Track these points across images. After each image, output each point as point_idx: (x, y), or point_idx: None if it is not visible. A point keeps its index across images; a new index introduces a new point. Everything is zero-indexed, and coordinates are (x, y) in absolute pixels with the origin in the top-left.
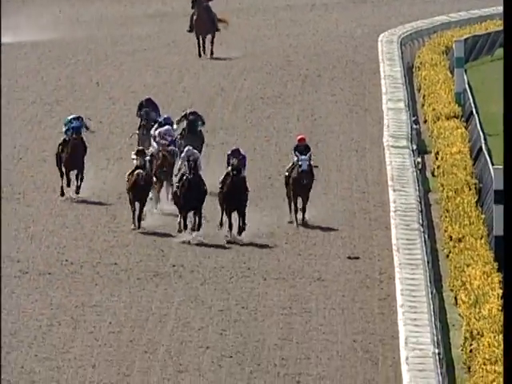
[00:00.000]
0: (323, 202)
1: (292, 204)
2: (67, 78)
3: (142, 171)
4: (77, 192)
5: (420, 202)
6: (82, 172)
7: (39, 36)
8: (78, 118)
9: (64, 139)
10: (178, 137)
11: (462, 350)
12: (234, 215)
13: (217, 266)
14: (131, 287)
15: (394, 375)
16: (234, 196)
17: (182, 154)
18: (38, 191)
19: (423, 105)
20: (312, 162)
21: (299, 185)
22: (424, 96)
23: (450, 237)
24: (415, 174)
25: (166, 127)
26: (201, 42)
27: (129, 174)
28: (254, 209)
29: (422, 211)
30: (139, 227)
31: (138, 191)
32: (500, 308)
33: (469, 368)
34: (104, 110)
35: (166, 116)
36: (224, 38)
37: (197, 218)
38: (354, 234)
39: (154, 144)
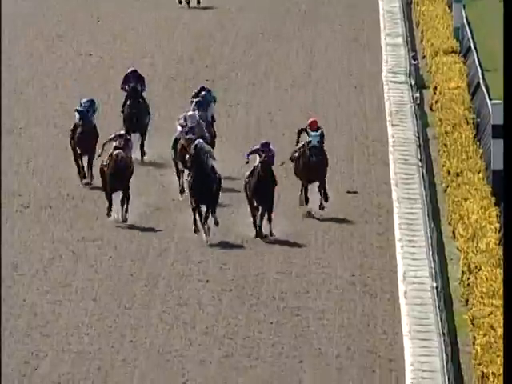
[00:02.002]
0: None
1: (303, 190)
2: (68, 13)
3: (120, 151)
4: (89, 180)
5: (418, 137)
6: (92, 158)
7: None
8: (88, 103)
9: (74, 124)
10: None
11: (460, 283)
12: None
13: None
14: (132, 221)
15: (393, 308)
16: (261, 192)
17: (193, 146)
18: (39, 126)
19: (422, 40)
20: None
21: (309, 163)
22: (422, 31)
23: (448, 171)
24: (413, 108)
25: (191, 113)
26: None
27: (108, 159)
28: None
29: (420, 146)
30: (125, 220)
31: (118, 175)
32: (497, 242)
33: (466, 301)
34: (104, 45)
35: (203, 93)
36: None
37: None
38: (352, 168)
39: (179, 127)
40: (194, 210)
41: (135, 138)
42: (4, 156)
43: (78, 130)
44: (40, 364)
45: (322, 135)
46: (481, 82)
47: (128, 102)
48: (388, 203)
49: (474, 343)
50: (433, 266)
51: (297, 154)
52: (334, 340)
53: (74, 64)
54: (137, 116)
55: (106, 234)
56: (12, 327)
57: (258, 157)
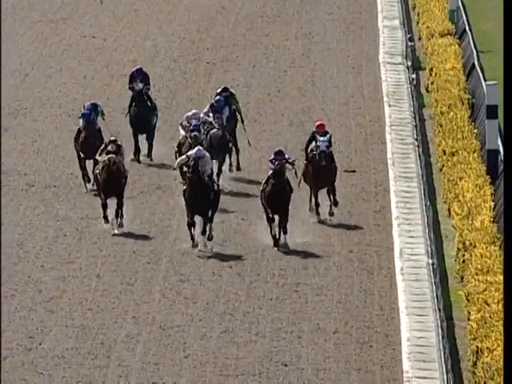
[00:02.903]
0: (321, 116)
1: (312, 196)
2: None
3: (113, 156)
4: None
5: (414, 117)
6: (96, 163)
7: None
8: (91, 106)
9: (78, 128)
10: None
11: (455, 260)
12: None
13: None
14: (134, 200)
15: (389, 285)
16: (276, 200)
17: (190, 152)
18: (43, 107)
19: (418, 22)
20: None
21: (318, 168)
22: (418, 14)
23: (444, 151)
24: (410, 89)
25: (194, 111)
26: None
27: (102, 165)
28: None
29: (416, 126)
30: (121, 225)
31: (112, 181)
32: (492, 219)
33: (461, 278)
34: (107, 27)
35: (217, 98)
36: None
37: (206, 224)
38: (350, 148)
39: (182, 131)
40: (189, 224)
41: (142, 138)
42: (9, 136)
43: (82, 134)
44: (44, 339)
45: (330, 140)
46: (475, 63)
47: (134, 104)
48: (385, 182)
49: (468, 318)
50: (429, 243)
51: (306, 162)
52: (332, 315)
53: (77, 46)
54: (143, 117)
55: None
56: (17, 303)
57: (271, 166)
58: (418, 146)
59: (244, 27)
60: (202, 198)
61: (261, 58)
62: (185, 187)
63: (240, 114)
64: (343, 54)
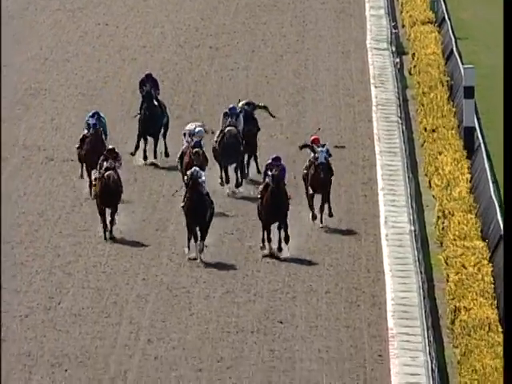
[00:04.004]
0: (313, 98)
1: (313, 203)
2: None
3: (111, 172)
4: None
5: (398, 97)
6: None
7: None
8: (93, 115)
9: (83, 135)
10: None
11: (435, 227)
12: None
13: None
14: (144, 173)
15: (375, 250)
16: (275, 208)
17: (188, 172)
18: (61, 88)
19: (401, 11)
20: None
21: (317, 178)
22: (402, 4)
23: (425, 128)
24: (394, 72)
25: (198, 129)
26: None
27: (97, 179)
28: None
29: (400, 105)
30: (111, 232)
31: (108, 194)
32: (469, 190)
33: (441, 243)
34: (119, 16)
35: (231, 106)
36: None
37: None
38: (340, 125)
39: (185, 141)
40: (189, 238)
41: (150, 140)
42: (31, 115)
43: (86, 144)
44: (63, 299)
45: (328, 151)
46: (454, 48)
47: (143, 106)
48: (371, 156)
49: (447, 280)
50: (411, 212)
51: (305, 171)
52: (323, 278)
53: (92, 33)
54: (151, 119)
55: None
56: (38, 266)
57: (269, 172)
58: (401, 124)
59: (243, 16)
60: (199, 215)
61: (259, 43)
62: (183, 204)
63: (268, 111)
64: (334, 40)
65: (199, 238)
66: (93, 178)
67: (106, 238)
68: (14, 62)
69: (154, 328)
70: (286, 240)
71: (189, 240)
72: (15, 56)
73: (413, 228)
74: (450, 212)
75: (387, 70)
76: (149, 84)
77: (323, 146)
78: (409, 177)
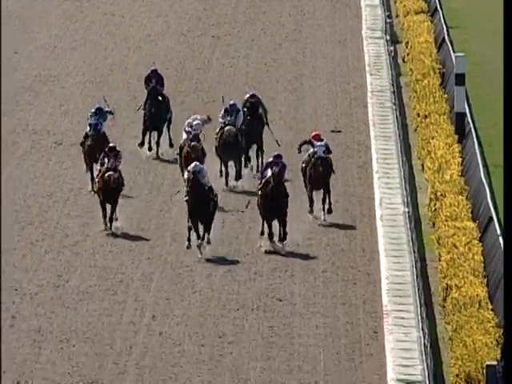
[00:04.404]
0: (311, 84)
1: (312, 196)
2: None
3: (112, 173)
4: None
5: (392, 84)
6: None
7: None
8: (96, 113)
9: (85, 133)
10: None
11: (428, 208)
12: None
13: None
14: (149, 156)
15: (370, 230)
16: (275, 205)
17: (189, 168)
18: (70, 75)
19: (395, 1)
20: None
21: (316, 173)
22: None
23: (418, 113)
24: (388, 60)
25: (195, 122)
26: None
27: (99, 176)
28: None
29: (394, 92)
30: (111, 228)
31: (109, 193)
32: (460, 173)
33: (433, 224)
34: (125, 6)
35: (231, 102)
36: None
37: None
38: (336, 111)
39: (184, 134)
40: (189, 228)
41: (154, 134)
42: (40, 101)
43: (88, 140)
44: (71, 277)
45: (327, 145)
46: (445, 37)
47: (148, 101)
48: (367, 140)
49: (439, 259)
50: (405, 193)
51: (304, 165)
52: (320, 257)
53: (99, 22)
54: (156, 114)
55: (125, 168)
56: (47, 246)
57: (269, 170)
58: (395, 110)
59: (244, 6)
60: (202, 208)
61: (259, 32)
62: (186, 198)
63: (266, 117)
64: (330, 30)
65: (201, 234)
66: (95, 174)
67: (106, 229)
68: (25, 50)
69: (158, 305)
70: (284, 237)
71: (189, 239)
72: (26, 44)
73: (406, 209)
74: (441, 194)
75: (382, 57)
76: (154, 80)
77: (322, 140)
78: (402, 160)
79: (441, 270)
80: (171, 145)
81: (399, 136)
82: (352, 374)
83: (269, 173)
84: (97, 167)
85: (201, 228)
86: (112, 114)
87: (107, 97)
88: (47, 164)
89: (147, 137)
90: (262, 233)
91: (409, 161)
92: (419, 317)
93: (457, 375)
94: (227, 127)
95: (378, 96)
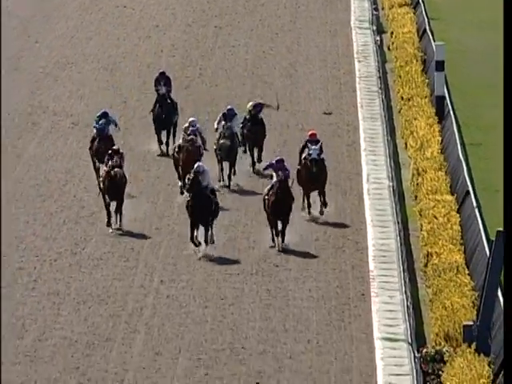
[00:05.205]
0: (304, 70)
1: (305, 197)
2: None
3: (118, 169)
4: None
5: (378, 70)
6: None
7: None
8: (101, 117)
9: (93, 137)
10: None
11: (411, 183)
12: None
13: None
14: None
15: (358, 203)
16: (280, 206)
17: (194, 169)
18: (86, 62)
19: None
20: (323, 156)
21: (310, 173)
22: None
23: (402, 97)
24: (375, 48)
25: (191, 119)
26: None
27: (105, 173)
28: None
29: (380, 77)
30: (120, 225)
31: (116, 188)
32: (439, 151)
33: (415, 197)
34: None
35: (229, 107)
36: None
37: (208, 232)
38: (327, 95)
39: (181, 135)
40: (192, 227)
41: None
42: (59, 85)
43: (96, 142)
44: (87, 245)
45: (321, 148)
46: (427, 28)
47: (157, 105)
48: (355, 121)
49: (421, 229)
50: (390, 170)
51: (299, 167)
52: (312, 227)
53: (112, 14)
54: (165, 116)
55: (135, 148)
56: (65, 217)
57: (274, 174)
58: (381, 93)
59: None
60: (203, 209)
61: (257, 23)
62: (188, 199)
63: (274, 105)
64: (322, 21)
65: (204, 235)
66: (101, 172)
67: (109, 225)
68: (45, 39)
69: (166, 271)
70: (283, 237)
71: (192, 238)
72: (46, 34)
73: (391, 184)
74: (423, 170)
75: (369, 46)
76: (162, 82)
77: (317, 143)
78: (387, 139)
79: (422, 239)
80: (172, 143)
81: (384, 117)
82: (341, 333)
83: (274, 177)
84: (103, 168)
85: (202, 232)
86: (116, 125)
87: (120, 82)
88: (65, 143)
89: (156, 136)
90: (273, 240)
91: (393, 140)
92: (402, 281)
93: (436, 334)
94: (222, 141)
95: (365, 81)
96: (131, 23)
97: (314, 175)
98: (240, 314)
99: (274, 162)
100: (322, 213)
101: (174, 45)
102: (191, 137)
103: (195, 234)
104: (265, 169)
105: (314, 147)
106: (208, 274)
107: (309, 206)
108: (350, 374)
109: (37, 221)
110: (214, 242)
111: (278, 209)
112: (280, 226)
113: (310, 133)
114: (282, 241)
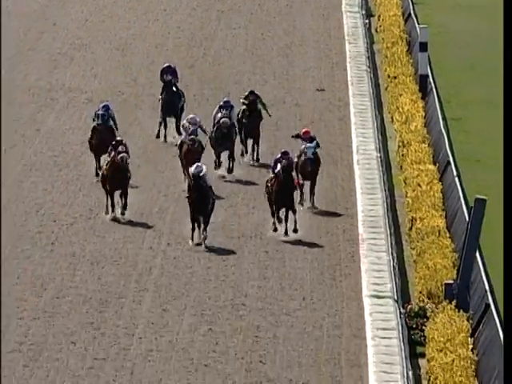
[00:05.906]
0: (299, 51)
1: (301, 188)
2: None
3: (125, 155)
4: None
5: (367, 51)
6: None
7: None
8: (103, 107)
9: (94, 126)
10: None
11: (396, 154)
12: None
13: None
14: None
15: (349, 172)
16: (284, 195)
17: (191, 169)
18: (99, 43)
19: None
20: (318, 150)
21: (305, 171)
22: None
23: (388, 75)
24: (364, 31)
25: (191, 116)
26: None
27: (110, 159)
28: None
29: (368, 57)
30: (123, 214)
31: (121, 173)
32: (423, 125)
33: (401, 167)
34: None
35: (225, 99)
36: None
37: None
38: (320, 73)
39: (183, 131)
40: (192, 221)
41: (171, 121)
42: (74, 64)
43: (96, 132)
44: (100, 211)
45: (316, 145)
46: (411, 11)
47: (164, 92)
48: (346, 98)
49: (406, 196)
50: (377, 141)
51: (296, 160)
52: (306, 195)
53: (123, 0)
54: (172, 103)
55: (143, 122)
56: (81, 184)
57: (278, 164)
58: (369, 72)
59: None
60: (202, 206)
61: (256, 7)
62: (188, 195)
63: (266, 109)
64: (316, 5)
65: (202, 228)
66: (103, 162)
67: (108, 212)
68: (62, 22)
69: (173, 234)
70: (295, 229)
71: (193, 230)
72: (62, 18)
73: (379, 155)
74: (408, 142)
75: (358, 29)
76: (169, 73)
77: (312, 141)
78: (375, 114)
79: (407, 205)
80: (179, 132)
81: (373, 94)
82: (333, 291)
83: (278, 167)
84: (106, 158)
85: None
86: (115, 122)
87: (130, 62)
88: (80, 117)
89: (162, 126)
90: (275, 229)
91: (381, 114)
92: (389, 243)
93: (420, 292)
94: (222, 119)
95: (355, 60)
96: (141, 7)
97: (308, 173)
98: (240, 273)
99: (279, 155)
100: (313, 203)
101: (180, 27)
102: (192, 137)
103: (195, 234)
104: (273, 167)
105: (309, 145)
106: (211, 237)
107: (301, 196)
108: (340, 329)
109: (54, 188)
110: (205, 238)
111: (283, 195)
112: (290, 215)
113: (303, 131)
114: (295, 231)
